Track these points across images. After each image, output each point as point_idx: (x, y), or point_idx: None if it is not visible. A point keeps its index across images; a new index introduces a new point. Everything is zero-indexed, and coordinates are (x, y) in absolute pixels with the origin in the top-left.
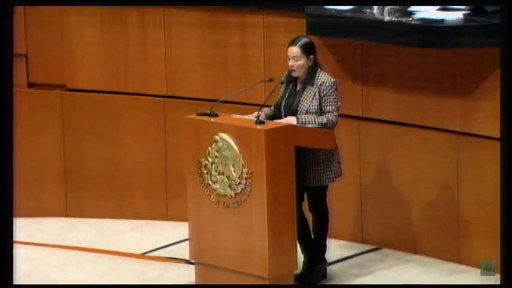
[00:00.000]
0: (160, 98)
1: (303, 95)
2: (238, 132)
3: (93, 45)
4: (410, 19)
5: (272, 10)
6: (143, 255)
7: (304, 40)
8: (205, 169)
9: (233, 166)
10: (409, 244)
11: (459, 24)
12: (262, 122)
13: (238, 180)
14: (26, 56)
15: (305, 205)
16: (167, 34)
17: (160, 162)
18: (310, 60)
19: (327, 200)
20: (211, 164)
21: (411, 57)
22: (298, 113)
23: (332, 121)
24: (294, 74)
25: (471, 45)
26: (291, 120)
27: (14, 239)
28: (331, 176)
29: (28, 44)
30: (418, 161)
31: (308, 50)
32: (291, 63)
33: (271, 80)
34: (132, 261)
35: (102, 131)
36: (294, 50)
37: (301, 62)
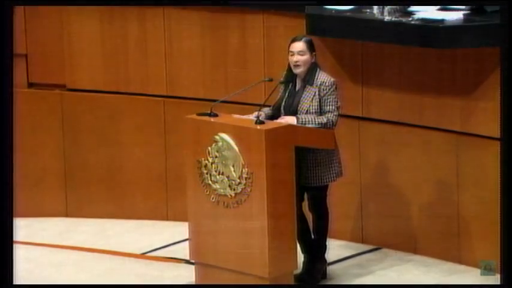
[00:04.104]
0: (160, 98)
1: (303, 95)
2: (238, 132)
3: (93, 45)
4: (410, 19)
5: (272, 10)
6: (143, 255)
7: (307, 37)
8: (205, 169)
9: (233, 166)
10: (409, 244)
11: (459, 24)
12: (262, 122)
13: (238, 180)
14: (26, 56)
15: (305, 205)
16: (167, 34)
17: (160, 162)
18: (313, 57)
19: (327, 200)
20: (211, 164)
21: (411, 57)
22: (298, 113)
23: (332, 121)
24: (298, 70)
25: (471, 45)
26: (291, 120)
27: (14, 239)
28: (331, 176)
29: (28, 44)
30: (418, 161)
31: (312, 46)
32: (295, 58)
33: (271, 80)
34: (132, 261)
35: (102, 131)
36: (300, 45)
37: (306, 57)
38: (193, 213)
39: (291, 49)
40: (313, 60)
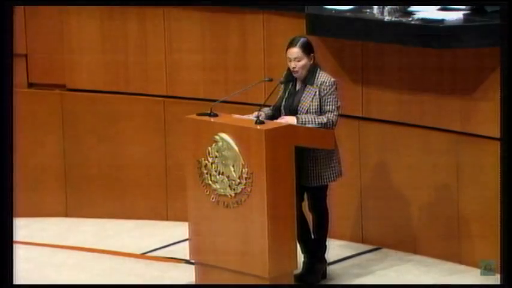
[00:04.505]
0: (160, 98)
1: (303, 95)
2: (238, 132)
3: (93, 45)
4: (410, 19)
5: (272, 10)
6: (143, 255)
7: (302, 40)
8: (205, 169)
9: (233, 166)
10: (409, 244)
11: (459, 24)
12: (262, 122)
13: (238, 180)
14: (26, 56)
15: (305, 205)
16: (167, 34)
17: (160, 162)
18: (311, 59)
19: (327, 200)
20: (211, 164)
21: (411, 57)
22: (299, 113)
23: (332, 121)
24: (297, 75)
25: (471, 45)
26: (291, 120)
27: (14, 239)
28: (331, 175)
29: (28, 44)
30: (418, 161)
31: (308, 49)
32: (292, 64)
33: (271, 80)
34: (132, 261)
35: (102, 131)
36: (295, 51)
37: (303, 62)
38: (193, 213)
39: (287, 55)
40: (311, 62)
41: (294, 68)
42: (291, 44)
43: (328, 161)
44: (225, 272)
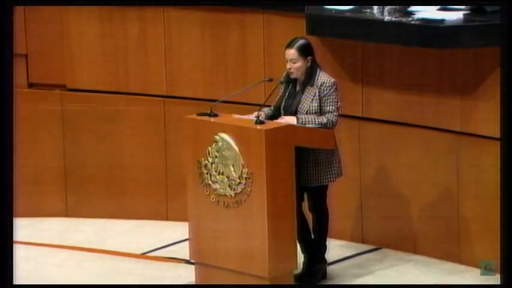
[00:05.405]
0: (160, 98)
1: (303, 96)
2: (238, 132)
3: (93, 45)
4: (410, 19)
5: (272, 10)
6: (143, 255)
7: (300, 42)
8: (205, 169)
9: (233, 166)
10: (409, 244)
11: (459, 24)
12: (262, 122)
13: (238, 180)
14: (26, 56)
15: (305, 205)
16: (167, 34)
17: (160, 162)
18: (308, 62)
19: (327, 200)
20: (211, 164)
21: (411, 57)
22: (299, 113)
23: (332, 121)
24: (293, 76)
25: (471, 45)
26: (291, 120)
27: (14, 239)
28: (331, 176)
29: (28, 44)
30: (418, 161)
31: (305, 51)
32: (288, 65)
33: (271, 80)
34: (132, 261)
35: (102, 131)
36: (291, 53)
37: (299, 64)
38: (193, 213)
39: (285, 55)
40: (308, 65)
41: (289, 69)
42: (289, 45)
43: (328, 161)
44: (225, 272)
